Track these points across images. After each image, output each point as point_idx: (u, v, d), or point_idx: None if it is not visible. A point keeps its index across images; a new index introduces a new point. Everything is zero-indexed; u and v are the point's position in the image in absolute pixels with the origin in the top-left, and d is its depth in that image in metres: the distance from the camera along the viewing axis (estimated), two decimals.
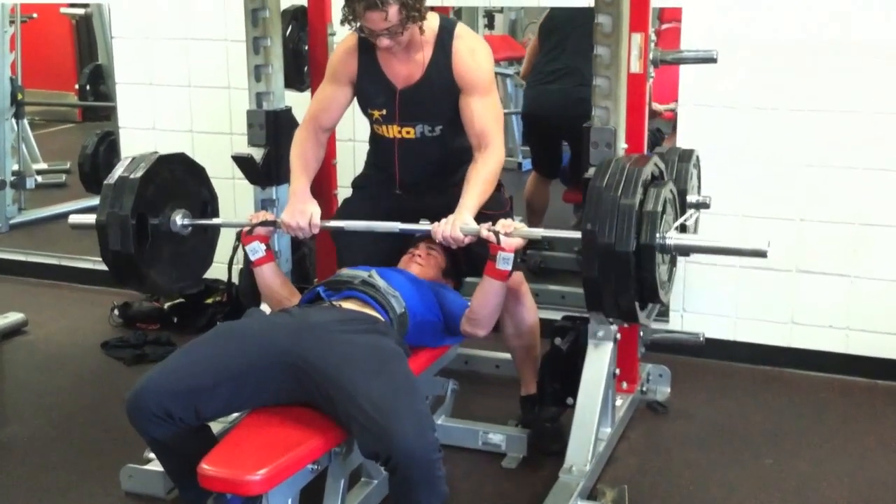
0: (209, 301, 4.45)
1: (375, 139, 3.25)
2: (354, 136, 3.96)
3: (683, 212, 3.02)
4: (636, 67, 3.12)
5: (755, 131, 3.77)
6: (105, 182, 3.09)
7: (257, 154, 3.40)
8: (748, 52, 3.72)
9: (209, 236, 3.35)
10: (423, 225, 3.00)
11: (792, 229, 3.78)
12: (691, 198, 3.32)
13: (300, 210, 3.08)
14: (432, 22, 3.03)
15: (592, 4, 2.85)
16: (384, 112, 3.12)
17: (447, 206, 2.94)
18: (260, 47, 3.39)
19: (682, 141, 3.78)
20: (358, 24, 2.92)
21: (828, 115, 3.67)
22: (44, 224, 5.87)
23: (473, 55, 3.04)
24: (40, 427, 3.50)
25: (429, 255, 3.17)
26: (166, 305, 4.45)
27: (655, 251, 2.59)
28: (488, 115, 3.03)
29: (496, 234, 2.81)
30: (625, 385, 3.45)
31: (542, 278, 4.59)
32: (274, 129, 3.40)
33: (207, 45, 4.52)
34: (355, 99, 3.19)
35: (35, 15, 6.17)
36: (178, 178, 3.21)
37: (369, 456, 2.42)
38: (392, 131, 3.13)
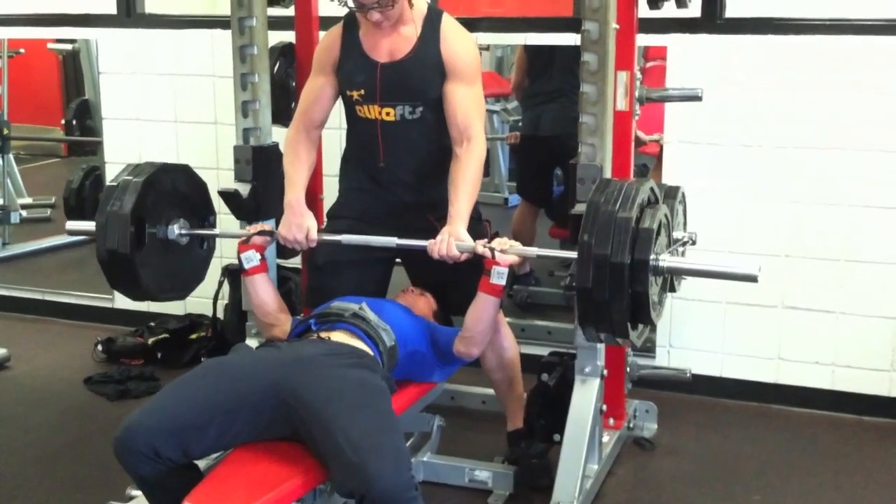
0: (194, 336, 4.42)
1: (356, 125, 3.20)
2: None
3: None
4: (622, 105, 3.14)
5: (741, 168, 3.79)
6: (107, 184, 3.09)
7: (244, 189, 3.39)
8: (733, 90, 3.75)
9: (204, 251, 3.37)
10: (420, 241, 2.98)
11: (778, 265, 3.79)
12: (678, 234, 3.32)
13: (297, 224, 3.08)
14: (420, 2, 3.05)
15: (579, 43, 2.87)
16: (363, 92, 3.09)
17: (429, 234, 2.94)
18: (247, 83, 3.39)
19: (668, 177, 3.80)
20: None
21: (813, 152, 3.70)
22: (28, 259, 5.84)
23: (462, 42, 3.06)
24: (23, 462, 3.46)
25: (421, 299, 3.20)
26: (150, 341, 4.42)
27: (649, 266, 2.58)
28: (471, 105, 3.02)
29: (491, 250, 2.84)
30: (612, 421, 3.43)
31: (529, 314, 4.58)
32: (261, 164, 3.40)
33: (194, 80, 4.53)
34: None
35: (22, 50, 6.16)
36: (180, 189, 3.23)
37: (345, 494, 2.40)
38: (373, 111, 3.10)
